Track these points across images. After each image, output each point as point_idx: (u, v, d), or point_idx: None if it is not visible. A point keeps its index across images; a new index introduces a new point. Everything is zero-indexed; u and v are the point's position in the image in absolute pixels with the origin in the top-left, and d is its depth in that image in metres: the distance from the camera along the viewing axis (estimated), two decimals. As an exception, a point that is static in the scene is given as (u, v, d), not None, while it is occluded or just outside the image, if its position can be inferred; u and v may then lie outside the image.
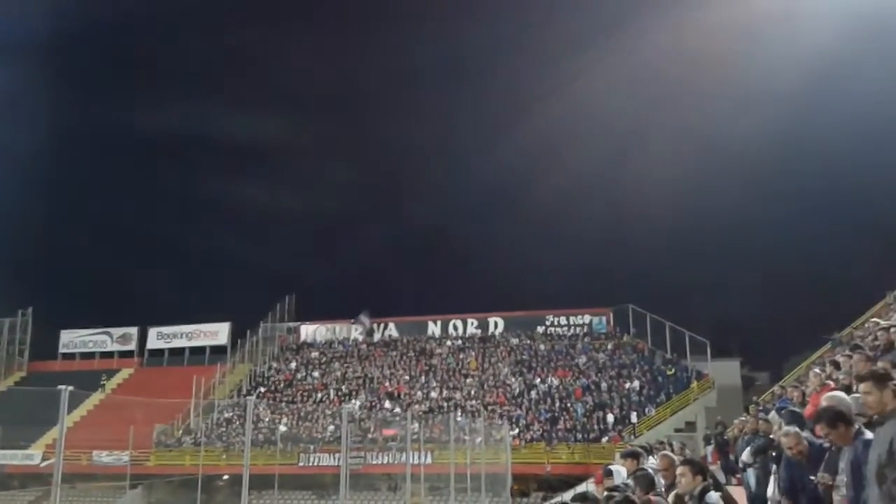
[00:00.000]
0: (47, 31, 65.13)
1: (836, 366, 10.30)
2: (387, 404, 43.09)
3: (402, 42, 73.42)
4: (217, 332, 55.00)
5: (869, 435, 4.77)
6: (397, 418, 38.32)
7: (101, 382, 50.38)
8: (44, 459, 39.60)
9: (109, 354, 56.22)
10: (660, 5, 57.84)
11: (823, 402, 5.72)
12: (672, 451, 13.13)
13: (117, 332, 56.80)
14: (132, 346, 56.33)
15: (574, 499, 5.56)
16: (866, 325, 14.67)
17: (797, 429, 6.90)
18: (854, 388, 5.99)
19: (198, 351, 54.50)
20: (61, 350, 56.83)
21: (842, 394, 5.84)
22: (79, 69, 73.90)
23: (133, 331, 56.64)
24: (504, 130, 76.60)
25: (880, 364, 7.13)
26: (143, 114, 74.82)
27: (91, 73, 75.13)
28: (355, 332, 52.57)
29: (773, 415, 10.37)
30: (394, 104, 79.06)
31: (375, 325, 52.44)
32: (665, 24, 55.04)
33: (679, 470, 6.11)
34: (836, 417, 5.05)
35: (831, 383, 9.10)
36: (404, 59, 74.11)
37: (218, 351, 53.40)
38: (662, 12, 56.43)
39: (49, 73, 68.67)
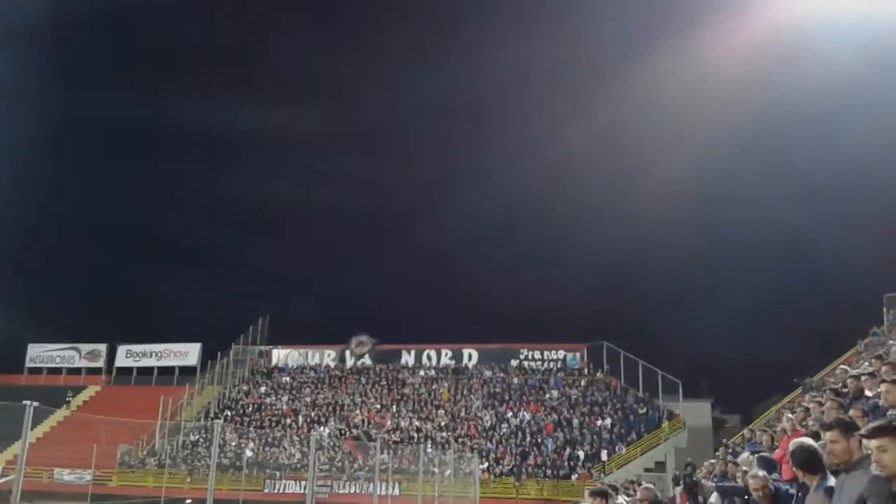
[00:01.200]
0: (45, 19, 64.51)
1: (807, 411, 10.36)
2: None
3: (409, 71, 73.72)
4: (187, 353, 54.39)
5: (831, 481, 4.79)
6: (366, 448, 37.95)
7: (67, 399, 49.58)
8: (3, 475, 38.65)
9: (77, 370, 55.40)
10: (673, 34, 58.63)
11: (790, 447, 5.75)
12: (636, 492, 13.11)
13: (86, 348, 56.02)
14: (100, 363, 55.52)
15: None
16: (836, 372, 14.80)
17: (765, 472, 6.94)
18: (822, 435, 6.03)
19: (167, 371, 53.80)
20: (28, 364, 55.89)
21: (809, 440, 5.87)
22: (75, 59, 73.17)
23: (102, 347, 55.87)
24: (495, 174, 77.01)
25: (851, 412, 7.20)
26: (123, 115, 74.34)
27: (76, 66, 74.35)
28: (349, 357, 51.70)
29: (742, 457, 10.39)
30: (389, 137, 79.34)
31: (348, 353, 51.92)
32: (685, 51, 55.61)
33: None
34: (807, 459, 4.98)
35: (802, 429, 9.15)
36: (408, 90, 74.45)
37: (187, 372, 52.75)
38: (676, 41, 57.16)
39: (43, 64, 67.93)
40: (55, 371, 55.49)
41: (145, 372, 54.39)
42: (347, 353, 51.73)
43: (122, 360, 55.35)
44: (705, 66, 54.58)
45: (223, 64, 78.14)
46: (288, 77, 75.01)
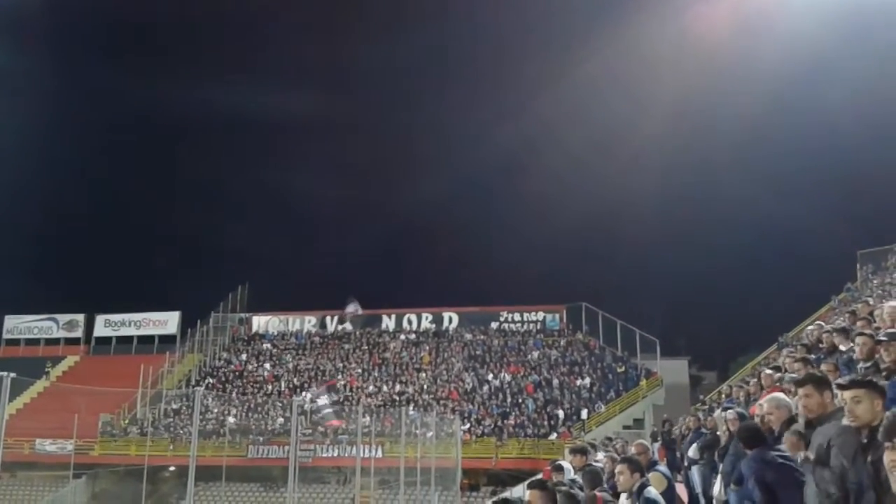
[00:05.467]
0: (42, 4, 63.09)
1: (778, 369, 10.51)
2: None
3: (383, 38, 72.83)
4: (167, 321, 54.12)
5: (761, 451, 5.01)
6: (347, 411, 38.16)
7: (46, 369, 49.30)
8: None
9: (55, 341, 54.98)
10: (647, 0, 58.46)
11: (764, 404, 5.86)
12: (616, 449, 13.32)
13: (64, 318, 55.54)
14: (79, 333, 55.12)
15: (531, 484, 5.62)
16: (808, 329, 15.03)
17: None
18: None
19: (146, 340, 53.57)
20: (5, 336, 55.33)
21: (783, 395, 5.98)
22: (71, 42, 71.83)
23: (80, 318, 55.43)
24: (474, 136, 76.69)
25: (823, 367, 7.33)
26: (104, 91, 73.29)
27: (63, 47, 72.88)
28: (345, 321, 51.47)
29: (718, 412, 10.56)
30: (371, 102, 78.60)
31: (329, 319, 51.98)
32: (659, 17, 55.53)
33: (618, 468, 6.35)
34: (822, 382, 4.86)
35: (777, 385, 9.29)
36: (392, 53, 73.49)
37: (167, 340, 52.55)
38: (650, 7, 57.00)
39: (28, 46, 66.61)
40: (33, 342, 55.03)
41: (125, 341, 54.10)
42: (330, 318, 51.67)
43: (100, 329, 54.97)
44: (679, 33, 54.63)
45: (200, 46, 76.96)
46: (249, 56, 74.21)
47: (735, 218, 70.32)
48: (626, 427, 37.23)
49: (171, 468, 35.08)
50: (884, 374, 5.69)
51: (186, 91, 68.85)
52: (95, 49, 75.55)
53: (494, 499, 8.74)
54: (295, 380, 45.93)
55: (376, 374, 45.53)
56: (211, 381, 46.77)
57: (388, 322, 51.09)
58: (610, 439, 18.32)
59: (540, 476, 11.05)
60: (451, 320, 50.26)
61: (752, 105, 59.82)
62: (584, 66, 61.01)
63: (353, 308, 50.64)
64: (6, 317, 55.58)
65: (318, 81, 75.48)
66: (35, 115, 67.74)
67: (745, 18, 54.17)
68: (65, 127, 74.54)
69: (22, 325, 55.62)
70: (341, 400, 41.38)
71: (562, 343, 46.18)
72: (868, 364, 7.12)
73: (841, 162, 56.81)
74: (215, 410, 42.24)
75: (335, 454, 36.27)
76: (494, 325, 49.04)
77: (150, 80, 71.49)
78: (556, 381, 41.62)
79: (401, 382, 44.21)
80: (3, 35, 62.04)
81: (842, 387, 4.03)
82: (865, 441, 3.81)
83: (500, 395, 41.33)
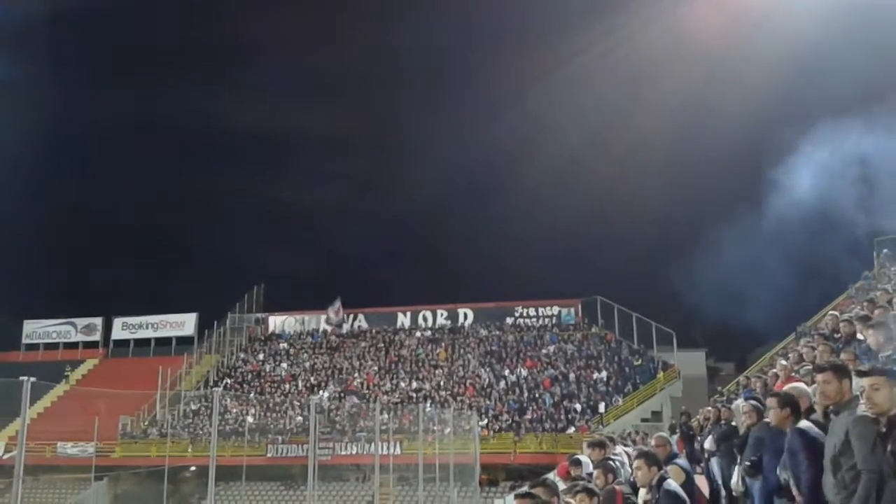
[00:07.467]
0: (42, 16, 63.65)
1: (800, 357, 10.47)
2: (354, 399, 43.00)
3: (381, 33, 72.80)
4: (184, 323, 54.43)
5: (803, 424, 4.94)
6: (366, 408, 38.29)
7: (66, 373, 49.73)
8: (6, 451, 39.00)
9: (74, 345, 55.40)
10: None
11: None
12: (635, 442, 13.32)
13: (82, 322, 55.97)
14: (97, 336, 55.55)
15: (533, 485, 5.63)
16: (826, 319, 14.94)
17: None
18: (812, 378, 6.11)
19: (164, 342, 53.87)
20: (24, 340, 55.84)
21: (802, 384, 5.95)
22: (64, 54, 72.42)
23: (98, 321, 55.84)
24: (479, 125, 76.40)
25: (842, 355, 7.29)
26: (119, 99, 73.80)
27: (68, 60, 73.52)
28: (325, 324, 52.25)
29: (735, 403, 10.52)
30: (372, 97, 78.57)
31: (345, 316, 52.17)
32: (655, 11, 55.22)
33: (635, 464, 6.33)
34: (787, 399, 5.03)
35: (795, 375, 9.26)
36: (385, 51, 73.49)
37: (184, 342, 52.84)
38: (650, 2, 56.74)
39: (33, 58, 67.22)
40: (52, 346, 55.45)
41: (142, 343, 54.44)
42: (346, 316, 51.95)
43: (118, 332, 55.35)
44: (675, 26, 54.24)
45: (209, 58, 77.35)
46: (270, 72, 74.48)
47: (748, 208, 69.78)
48: (644, 420, 37.16)
49: (192, 468, 35.35)
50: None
51: (196, 103, 69.39)
52: (102, 70, 76.25)
53: (517, 492, 8.71)
54: (312, 379, 46.11)
55: (393, 372, 45.63)
56: (229, 381, 47.03)
57: (404, 319, 51.20)
58: (629, 434, 18.32)
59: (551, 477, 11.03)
60: (466, 316, 50.32)
61: (758, 92, 59.32)
62: (573, 60, 60.62)
63: (332, 313, 51.37)
64: (25, 322, 56.12)
65: (320, 89, 75.78)
66: (48, 123, 68.28)
67: (742, 12, 53.75)
68: (79, 134, 75.09)
69: (41, 329, 56.11)
70: (367, 398, 41.58)
71: (578, 337, 46.12)
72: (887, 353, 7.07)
73: (853, 151, 56.25)
74: (234, 411, 42.48)
75: (354, 452, 36.39)
76: (510, 320, 49.06)
77: (157, 94, 72.03)
78: (572, 376, 41.57)
79: (417, 379, 44.29)
80: (9, 48, 62.68)
81: (862, 374, 4.02)
82: (885, 430, 3.79)
83: (517, 391, 41.34)
